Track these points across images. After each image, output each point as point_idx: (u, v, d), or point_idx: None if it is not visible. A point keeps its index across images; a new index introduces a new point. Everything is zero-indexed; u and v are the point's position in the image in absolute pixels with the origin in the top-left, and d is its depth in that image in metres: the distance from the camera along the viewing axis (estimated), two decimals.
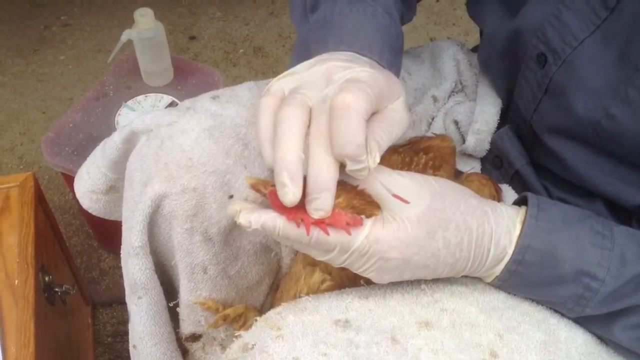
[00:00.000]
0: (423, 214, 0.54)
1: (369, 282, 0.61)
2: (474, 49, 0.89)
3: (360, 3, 0.65)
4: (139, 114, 1.29)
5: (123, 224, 0.72)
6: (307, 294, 0.64)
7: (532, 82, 0.69)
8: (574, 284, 0.57)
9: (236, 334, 0.62)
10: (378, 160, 0.51)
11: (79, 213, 1.56)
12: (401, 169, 0.64)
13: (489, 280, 0.61)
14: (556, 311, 0.63)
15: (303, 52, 0.64)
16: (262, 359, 0.55)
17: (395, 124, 0.54)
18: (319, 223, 0.53)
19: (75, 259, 1.42)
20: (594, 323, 0.62)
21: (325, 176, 0.50)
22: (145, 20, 1.25)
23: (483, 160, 0.82)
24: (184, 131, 0.68)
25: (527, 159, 0.75)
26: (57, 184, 1.62)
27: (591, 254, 0.57)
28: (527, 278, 0.59)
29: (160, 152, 0.67)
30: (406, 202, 0.54)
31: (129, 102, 1.31)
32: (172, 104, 1.32)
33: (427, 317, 0.59)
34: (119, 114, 1.29)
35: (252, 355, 0.57)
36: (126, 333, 0.77)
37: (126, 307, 0.75)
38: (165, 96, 1.33)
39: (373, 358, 0.55)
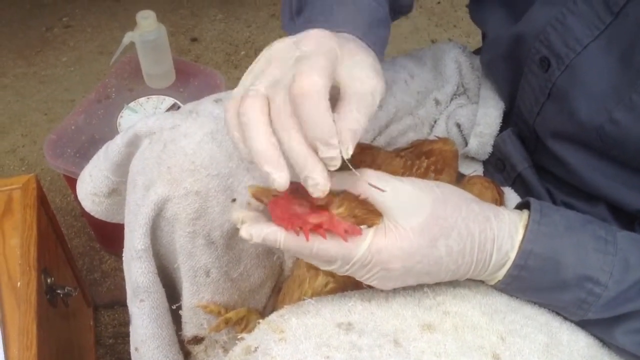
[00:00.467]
0: (425, 222, 0.54)
1: (371, 285, 0.61)
2: (476, 52, 0.89)
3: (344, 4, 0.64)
4: (141, 116, 1.29)
5: (125, 227, 0.72)
6: (311, 296, 0.64)
7: (535, 87, 0.69)
8: (577, 289, 0.57)
9: (239, 337, 0.62)
10: (351, 150, 0.49)
11: (81, 215, 1.56)
12: (403, 173, 0.65)
13: (492, 283, 0.61)
14: (559, 314, 0.63)
15: None
16: None
17: (366, 98, 0.51)
18: (317, 229, 0.53)
19: (77, 261, 1.42)
20: (596, 327, 0.62)
21: (303, 154, 0.49)
22: (147, 23, 1.25)
23: (485, 163, 0.82)
24: (187, 134, 0.68)
25: (529, 162, 0.75)
26: (59, 186, 1.62)
27: (594, 259, 0.57)
28: (529, 282, 0.59)
29: (163, 156, 0.67)
30: (382, 190, 0.53)
31: (131, 104, 1.31)
32: (174, 106, 1.32)
33: (430, 320, 0.59)
34: (121, 116, 1.29)
35: (255, 357, 0.57)
36: (128, 335, 0.77)
37: (127, 309, 0.75)
38: (167, 98, 1.33)
39: None
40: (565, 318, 0.62)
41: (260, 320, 0.61)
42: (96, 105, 1.32)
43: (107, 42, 2.00)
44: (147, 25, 1.26)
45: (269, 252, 0.75)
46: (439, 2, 2.16)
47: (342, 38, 0.55)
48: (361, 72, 0.52)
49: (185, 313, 0.74)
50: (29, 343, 0.84)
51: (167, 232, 0.69)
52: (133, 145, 0.71)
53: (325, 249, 0.53)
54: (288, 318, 0.59)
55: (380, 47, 0.63)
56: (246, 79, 0.54)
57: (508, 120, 0.78)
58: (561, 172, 0.71)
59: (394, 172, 0.64)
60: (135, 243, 0.68)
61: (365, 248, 0.54)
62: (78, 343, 1.20)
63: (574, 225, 0.58)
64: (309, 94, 0.47)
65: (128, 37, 1.29)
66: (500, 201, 0.69)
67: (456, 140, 0.80)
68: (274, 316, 0.61)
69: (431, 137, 0.82)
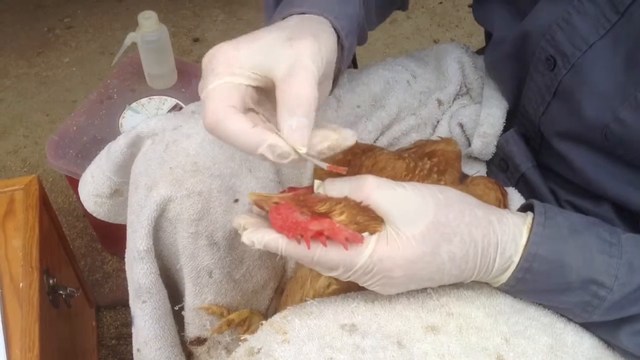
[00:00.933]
0: (427, 230, 0.54)
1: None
2: (479, 52, 0.89)
3: None
4: (143, 116, 1.29)
5: (128, 227, 0.72)
6: (313, 297, 0.64)
7: (541, 86, 0.69)
8: (582, 292, 0.57)
9: (242, 338, 0.62)
10: (304, 144, 0.49)
11: (83, 216, 1.56)
12: (406, 175, 0.64)
13: (496, 285, 0.61)
14: (563, 315, 0.62)
15: None
16: None
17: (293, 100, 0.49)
18: (318, 236, 0.53)
19: (79, 262, 1.42)
20: (601, 328, 0.62)
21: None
22: (149, 23, 1.25)
23: (489, 164, 0.81)
24: (189, 135, 0.68)
25: (533, 162, 0.74)
26: (61, 187, 1.62)
27: (599, 262, 0.57)
28: (534, 285, 0.58)
29: (165, 156, 0.67)
30: (342, 170, 0.52)
31: (133, 105, 1.31)
32: (176, 107, 1.32)
33: (434, 321, 0.59)
34: (123, 117, 1.29)
35: (257, 359, 0.57)
36: (130, 335, 0.77)
37: (130, 310, 0.75)
38: (169, 99, 1.33)
39: None
40: (570, 319, 0.62)
41: (263, 322, 0.61)
42: (98, 105, 1.32)
43: (108, 42, 2.00)
44: (149, 26, 1.25)
45: (271, 253, 0.74)
46: (440, 2, 2.16)
47: (286, 29, 0.54)
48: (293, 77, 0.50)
49: (187, 314, 0.74)
50: (31, 344, 0.84)
51: (169, 232, 0.69)
52: (135, 146, 0.71)
53: (327, 256, 0.53)
54: (291, 319, 0.59)
55: (345, 22, 0.61)
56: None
57: (511, 120, 0.78)
58: (566, 172, 0.71)
59: (396, 175, 0.64)
60: (137, 244, 0.68)
61: (367, 256, 0.54)
62: (80, 344, 1.20)
63: (578, 227, 0.58)
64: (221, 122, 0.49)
65: (130, 38, 1.29)
66: (503, 202, 0.69)
67: (459, 140, 0.80)
68: (277, 317, 0.61)
69: (434, 138, 0.81)
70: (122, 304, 1.42)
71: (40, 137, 1.73)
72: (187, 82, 1.37)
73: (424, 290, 0.61)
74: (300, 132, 0.48)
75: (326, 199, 0.55)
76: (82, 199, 0.79)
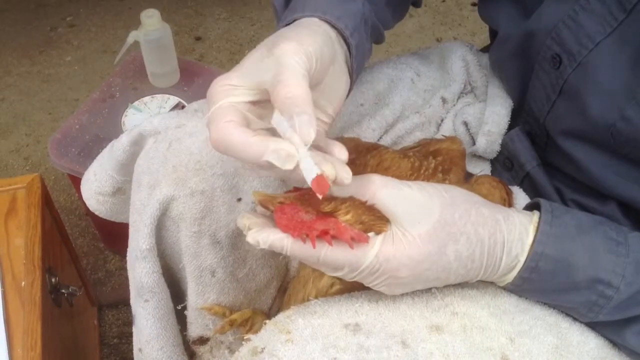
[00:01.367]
0: (433, 229, 0.54)
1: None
2: (484, 50, 0.89)
3: None
4: (146, 115, 1.29)
5: (130, 226, 0.72)
6: (316, 297, 0.64)
7: (547, 84, 0.69)
8: (588, 291, 0.57)
9: (245, 338, 0.61)
10: (308, 140, 0.48)
11: (85, 214, 1.56)
12: (411, 174, 0.64)
13: (502, 285, 0.60)
14: (568, 315, 0.62)
15: None
16: None
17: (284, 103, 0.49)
18: (324, 235, 0.52)
19: (82, 260, 1.42)
20: (607, 328, 0.61)
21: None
22: (151, 22, 1.25)
23: (493, 162, 0.81)
24: (192, 134, 0.67)
25: (538, 161, 0.74)
26: (63, 185, 1.62)
27: (605, 261, 0.56)
28: (540, 284, 0.58)
29: (168, 155, 0.67)
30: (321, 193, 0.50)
31: (136, 103, 1.31)
32: (178, 105, 1.31)
33: (438, 321, 0.58)
34: (126, 115, 1.29)
35: (261, 358, 0.57)
36: (132, 334, 0.77)
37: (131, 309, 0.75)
38: (171, 97, 1.33)
39: None
40: (575, 319, 0.62)
41: (267, 321, 0.61)
42: (100, 104, 1.31)
43: (111, 41, 2.00)
44: (152, 24, 1.25)
45: (274, 253, 0.74)
46: (444, 1, 2.16)
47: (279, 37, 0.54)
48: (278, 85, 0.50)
49: (190, 313, 0.74)
50: (33, 343, 0.83)
51: (172, 231, 0.69)
52: (138, 144, 0.71)
53: (332, 256, 0.53)
54: (295, 319, 0.59)
55: (349, 21, 0.61)
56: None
57: (516, 118, 0.77)
58: (571, 170, 0.70)
59: (401, 174, 0.64)
60: (140, 243, 0.68)
61: (373, 256, 0.53)
62: (82, 343, 1.20)
63: (585, 226, 0.58)
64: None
65: (132, 36, 1.29)
66: (508, 201, 0.69)
67: (463, 139, 0.79)
68: (280, 317, 0.60)
69: (438, 136, 0.81)
70: (124, 303, 1.42)
71: (42, 136, 1.73)
72: (189, 81, 1.36)
73: (429, 289, 0.61)
74: (302, 129, 0.48)
75: (331, 199, 0.54)
76: (84, 197, 0.78)
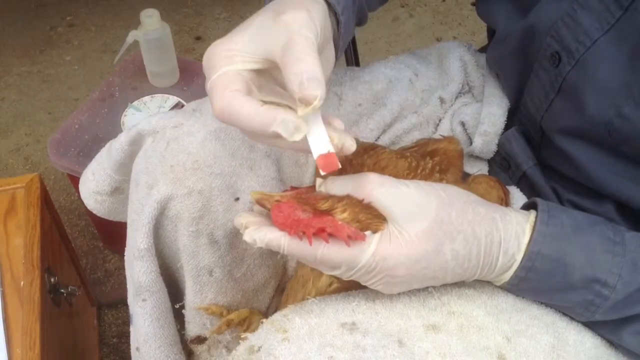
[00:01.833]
0: (430, 228, 0.54)
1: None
2: (481, 50, 0.89)
3: None
4: (145, 114, 1.29)
5: (128, 226, 0.72)
6: (315, 296, 0.64)
7: (545, 82, 0.69)
8: (584, 291, 0.57)
9: (242, 336, 0.61)
10: (318, 95, 0.46)
11: (85, 214, 1.56)
12: (408, 174, 0.64)
13: (499, 284, 0.60)
14: (565, 314, 0.62)
15: None
16: None
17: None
18: (320, 233, 0.52)
19: (81, 260, 1.42)
20: (603, 327, 0.61)
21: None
22: (151, 21, 1.25)
23: (490, 162, 0.81)
24: (190, 133, 0.67)
25: (534, 161, 0.74)
26: (63, 185, 1.62)
27: (602, 261, 0.56)
28: (536, 284, 0.58)
29: (166, 154, 0.67)
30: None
31: (135, 103, 1.31)
32: (177, 105, 1.31)
33: (435, 320, 0.59)
34: (125, 115, 1.29)
35: (258, 357, 0.57)
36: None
37: None
38: (171, 97, 1.33)
39: None
40: (572, 319, 0.62)
41: (264, 320, 0.61)
42: (100, 104, 1.32)
43: (111, 40, 2.00)
44: (151, 24, 1.25)
45: (272, 252, 0.74)
46: (443, 1, 2.16)
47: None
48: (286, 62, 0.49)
49: (188, 313, 0.74)
50: (32, 342, 0.83)
51: (170, 231, 0.69)
52: (136, 143, 0.71)
53: (329, 254, 0.53)
54: (292, 318, 0.59)
55: None
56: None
57: (513, 118, 0.77)
58: (568, 170, 0.70)
59: (398, 174, 0.64)
60: (138, 242, 0.68)
61: (369, 254, 0.53)
62: (82, 342, 1.20)
63: (581, 226, 0.58)
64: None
65: (132, 36, 1.29)
66: (505, 200, 0.69)
67: (461, 139, 0.79)
68: (277, 316, 0.61)
69: (436, 136, 0.81)
70: (123, 303, 1.41)
71: (42, 136, 1.73)
72: (189, 80, 1.37)
73: (425, 288, 0.61)
74: (312, 83, 0.46)
75: (328, 197, 0.55)
76: (82, 197, 0.78)
